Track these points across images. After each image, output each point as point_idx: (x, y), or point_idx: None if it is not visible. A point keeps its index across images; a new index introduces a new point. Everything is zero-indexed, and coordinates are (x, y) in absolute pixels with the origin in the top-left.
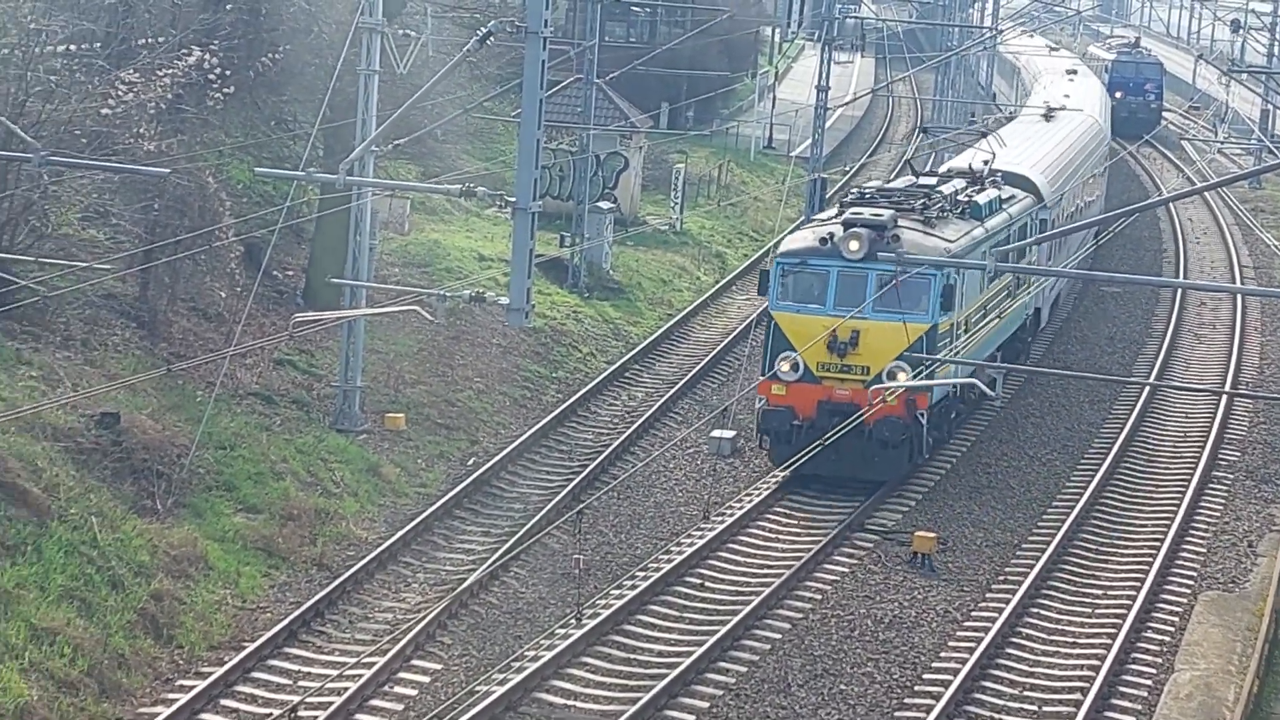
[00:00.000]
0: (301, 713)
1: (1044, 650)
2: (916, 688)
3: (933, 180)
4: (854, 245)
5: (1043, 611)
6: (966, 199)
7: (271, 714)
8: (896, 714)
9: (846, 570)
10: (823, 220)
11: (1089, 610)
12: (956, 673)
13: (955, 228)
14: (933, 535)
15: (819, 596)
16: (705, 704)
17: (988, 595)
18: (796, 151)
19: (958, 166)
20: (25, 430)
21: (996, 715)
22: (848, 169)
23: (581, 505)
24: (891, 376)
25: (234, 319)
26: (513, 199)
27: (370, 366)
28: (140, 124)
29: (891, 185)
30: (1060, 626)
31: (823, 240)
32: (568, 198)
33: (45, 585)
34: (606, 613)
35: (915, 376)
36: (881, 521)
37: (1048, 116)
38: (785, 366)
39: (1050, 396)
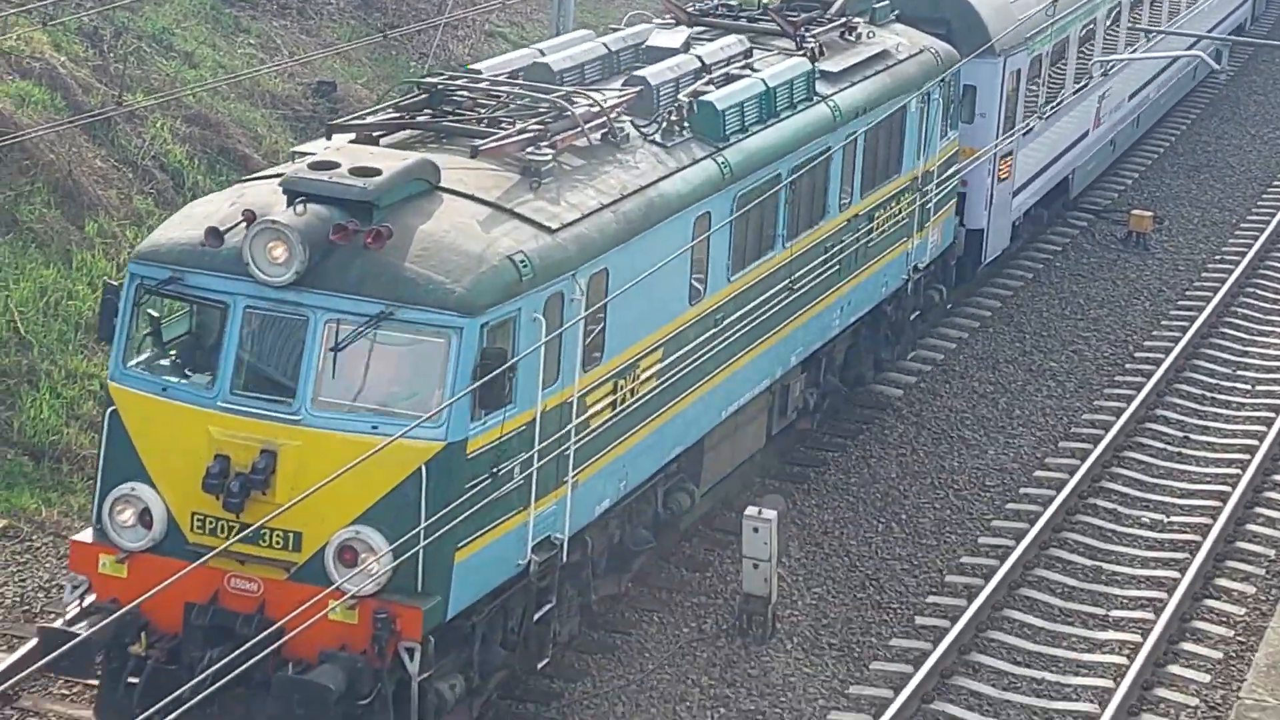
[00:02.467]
0: None
1: (1258, 330)
2: (1127, 365)
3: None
4: (278, 251)
5: (1259, 292)
6: (698, 85)
7: None
8: (1106, 390)
9: (1059, 249)
10: (277, 172)
11: None
12: (1168, 351)
13: (620, 169)
14: (1149, 213)
15: (1030, 274)
16: (912, 379)
17: (1203, 274)
18: None
19: None
20: (244, 97)
21: (1208, 394)
22: None
23: None
24: (348, 558)
25: None
26: None
27: None
28: None
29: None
30: (1277, 306)
31: (211, 235)
32: None
33: None
34: None
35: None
36: (1096, 199)
37: None
38: (126, 515)
39: (1274, 73)
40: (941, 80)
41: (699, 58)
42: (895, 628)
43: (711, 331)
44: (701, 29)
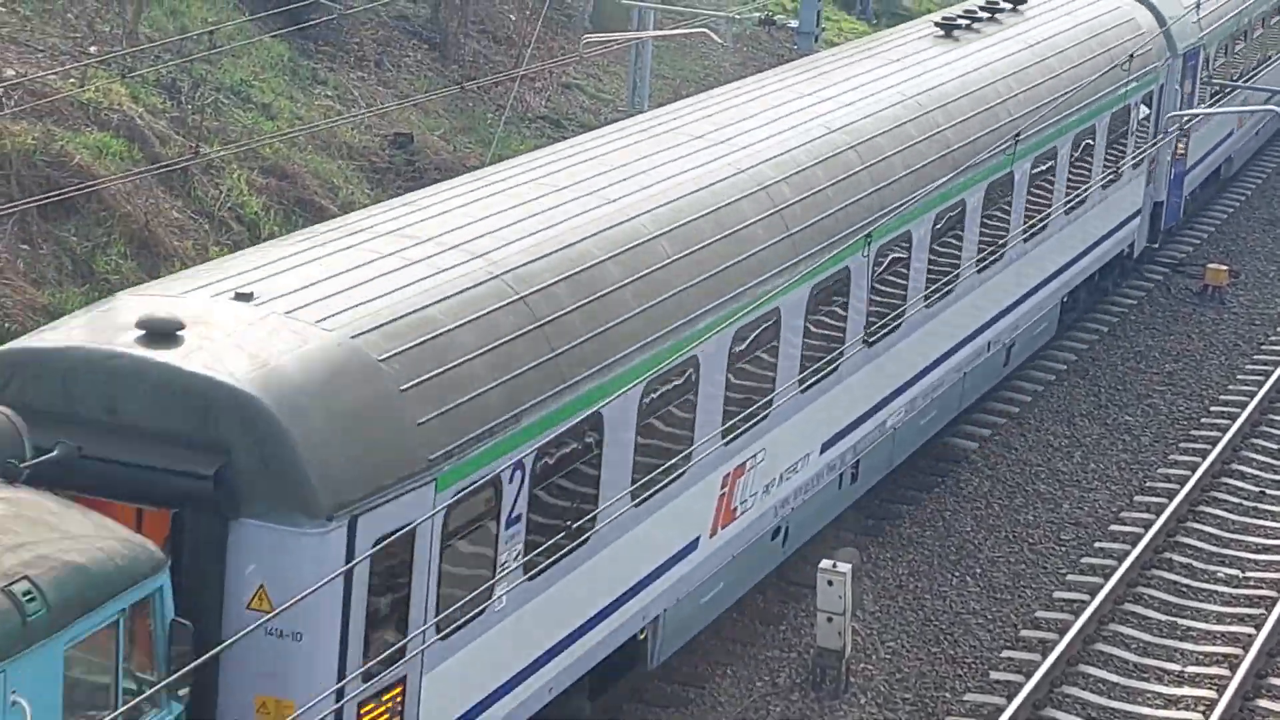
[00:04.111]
0: None
1: None
2: (1202, 419)
3: None
4: None
5: None
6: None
7: None
8: (1181, 445)
9: (1134, 302)
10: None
11: None
12: (1244, 405)
13: None
14: (1225, 268)
15: (1105, 328)
16: (987, 431)
17: (1278, 329)
18: None
19: None
20: (322, 149)
21: None
22: None
23: None
24: None
25: (523, 41)
26: None
27: (657, 92)
28: None
29: None
30: None
31: None
32: None
33: None
34: None
35: None
36: (1172, 254)
37: None
38: None
39: None
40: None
41: None
42: (969, 682)
43: None
44: None
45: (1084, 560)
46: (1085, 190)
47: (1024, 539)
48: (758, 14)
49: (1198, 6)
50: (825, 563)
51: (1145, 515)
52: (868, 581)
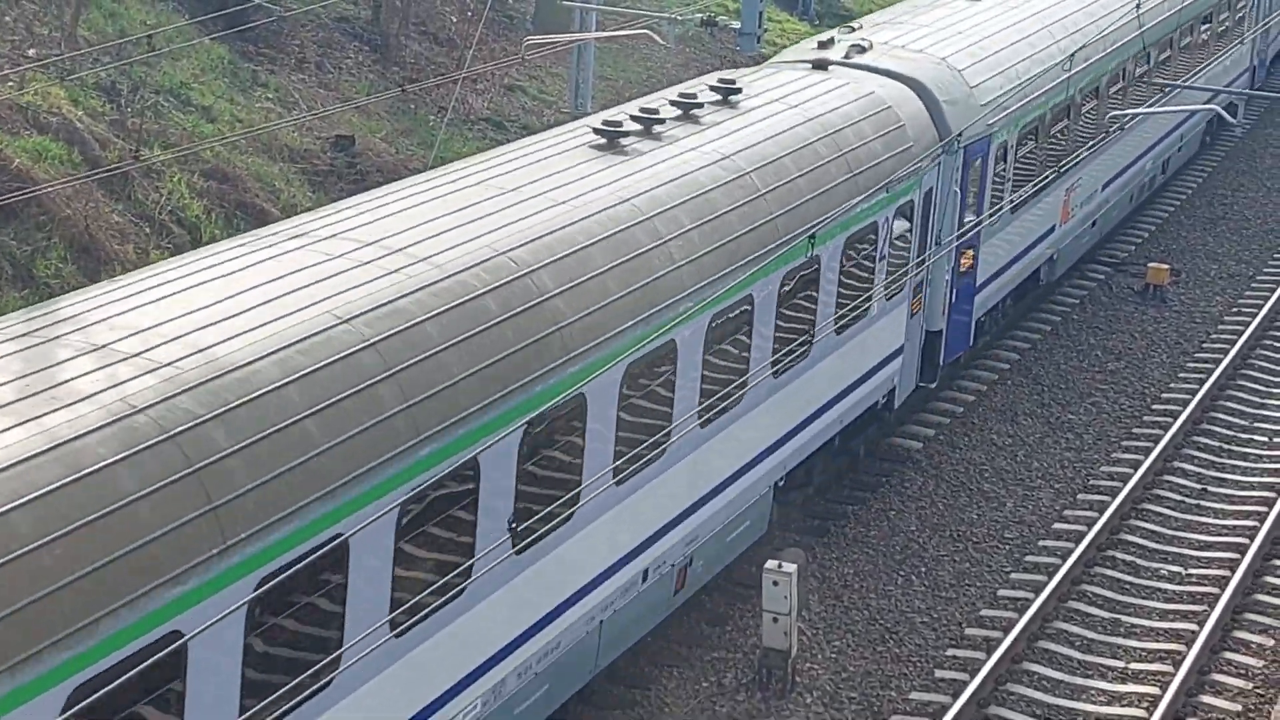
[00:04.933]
0: None
1: (1276, 382)
2: (1145, 418)
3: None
4: None
5: (1276, 344)
6: None
7: None
8: (1123, 443)
9: (1076, 301)
10: None
11: None
12: (1186, 404)
13: None
14: (1166, 267)
15: (1048, 327)
16: (931, 431)
17: (1220, 327)
18: None
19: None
20: (262, 151)
21: (1225, 446)
22: None
23: None
24: None
25: (465, 43)
26: None
27: (599, 94)
28: None
29: None
30: None
31: None
32: None
33: None
34: None
35: None
36: (1114, 252)
37: None
38: None
39: None
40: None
41: None
42: (915, 681)
43: None
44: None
45: (1028, 558)
46: (801, 345)
47: (968, 538)
48: (700, 15)
49: (1005, 77)
50: (770, 563)
51: (1088, 513)
52: (813, 581)
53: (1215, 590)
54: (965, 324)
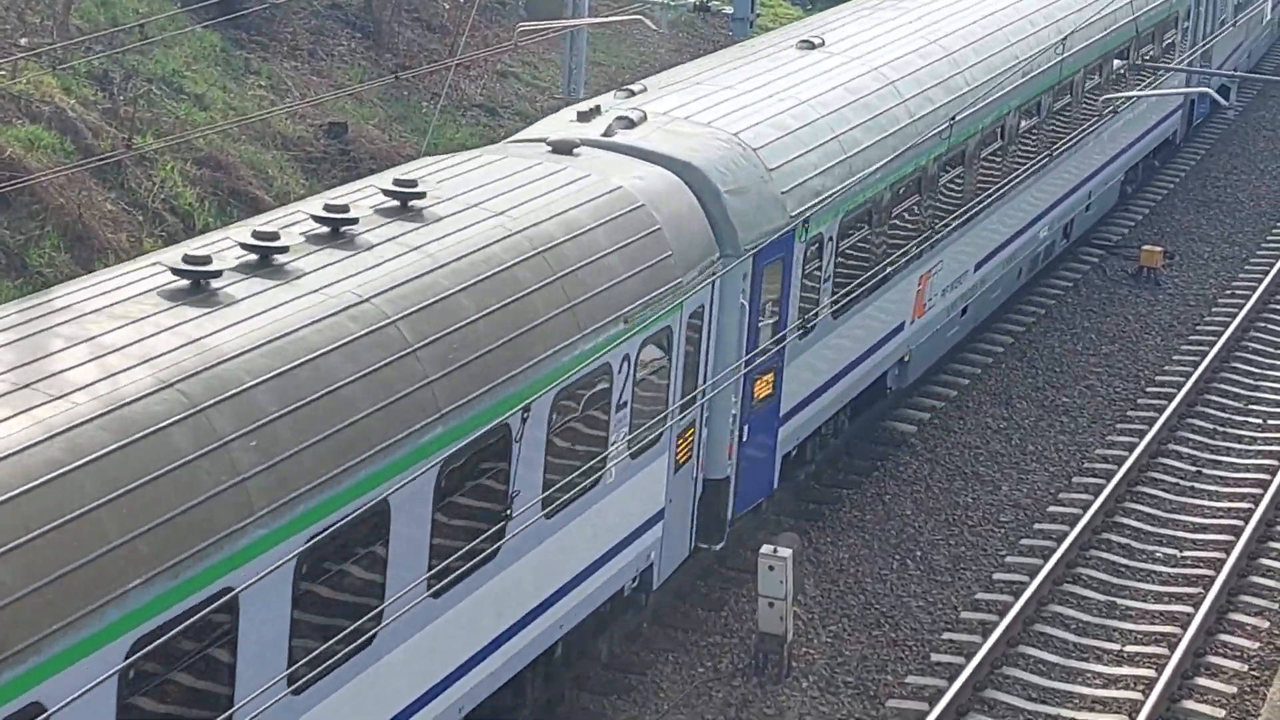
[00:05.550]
0: None
1: (1270, 364)
2: (1139, 401)
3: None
4: None
5: (1270, 326)
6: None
7: None
8: (1119, 426)
9: (1070, 285)
10: None
11: None
12: (1180, 386)
13: None
14: (1159, 249)
15: (1042, 310)
16: (926, 414)
17: (1213, 309)
18: None
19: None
20: (255, 139)
21: (1220, 428)
22: None
23: None
24: None
25: (458, 30)
26: None
27: (592, 79)
28: None
29: None
30: None
31: None
32: None
33: None
34: None
35: None
36: (1107, 235)
37: None
38: None
39: None
40: None
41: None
42: (911, 665)
43: None
44: None
45: (1023, 542)
46: (487, 547)
47: (963, 521)
48: (693, 0)
49: (821, 153)
50: (766, 548)
51: (1083, 496)
52: (808, 566)
53: (1210, 573)
54: (766, 461)
